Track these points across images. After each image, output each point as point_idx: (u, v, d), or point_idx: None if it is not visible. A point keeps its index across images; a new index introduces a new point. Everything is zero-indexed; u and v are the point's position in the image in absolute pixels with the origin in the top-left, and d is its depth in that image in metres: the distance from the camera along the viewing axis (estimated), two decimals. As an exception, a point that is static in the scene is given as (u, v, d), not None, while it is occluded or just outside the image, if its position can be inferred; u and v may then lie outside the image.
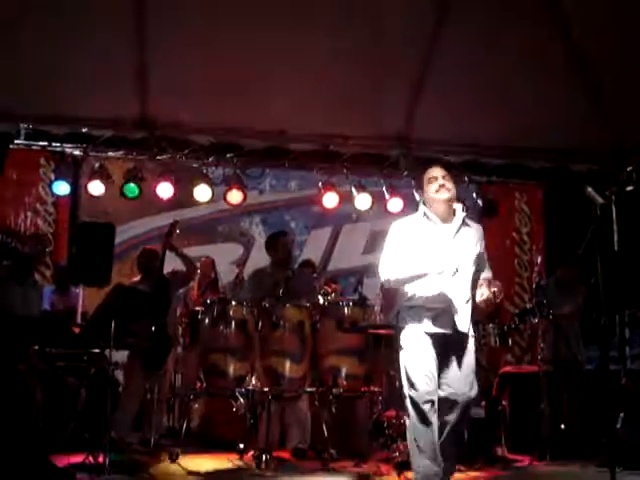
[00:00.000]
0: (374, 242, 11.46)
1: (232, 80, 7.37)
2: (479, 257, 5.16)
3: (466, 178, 8.81)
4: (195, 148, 8.24)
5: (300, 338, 6.55)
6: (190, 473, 5.93)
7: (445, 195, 5.09)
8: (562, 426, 7.23)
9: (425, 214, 5.15)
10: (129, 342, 6.28)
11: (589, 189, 5.04)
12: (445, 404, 4.92)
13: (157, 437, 6.95)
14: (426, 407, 4.84)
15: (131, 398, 7.00)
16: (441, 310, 4.94)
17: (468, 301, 5.06)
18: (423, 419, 4.84)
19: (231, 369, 6.47)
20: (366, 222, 11.09)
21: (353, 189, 8.71)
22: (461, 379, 4.97)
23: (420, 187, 5.35)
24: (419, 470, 4.86)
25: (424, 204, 5.22)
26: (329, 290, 8.43)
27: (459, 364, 4.98)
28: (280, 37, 7.07)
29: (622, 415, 6.70)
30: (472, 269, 5.11)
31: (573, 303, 7.90)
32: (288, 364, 6.46)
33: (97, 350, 6.32)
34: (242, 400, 6.44)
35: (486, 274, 5.23)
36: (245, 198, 8.51)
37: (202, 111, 7.78)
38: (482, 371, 7.84)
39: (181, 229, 7.73)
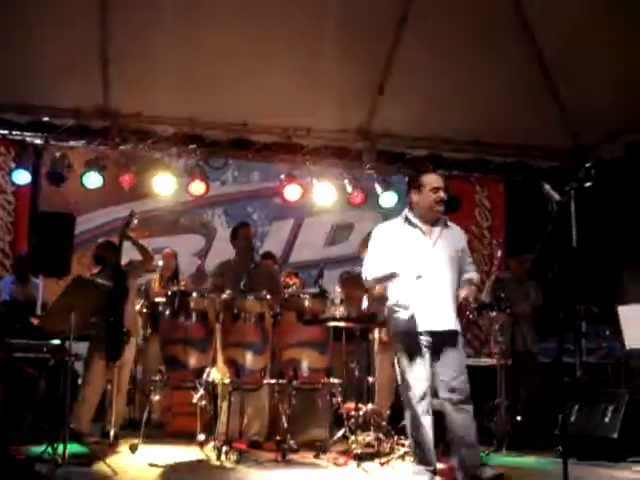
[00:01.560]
0: (335, 235, 11.53)
1: (195, 71, 7.39)
2: (460, 259, 5.33)
3: (428, 172, 8.86)
4: (158, 139, 8.21)
5: (261, 330, 6.56)
6: (150, 465, 5.91)
7: (442, 208, 5.24)
8: (518, 418, 7.33)
9: (408, 219, 5.31)
10: (89, 333, 6.25)
11: (546, 186, 5.13)
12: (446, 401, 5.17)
13: (117, 429, 6.93)
14: (420, 407, 5.13)
15: (91, 389, 6.97)
16: (425, 310, 5.10)
17: (451, 300, 5.19)
18: (417, 416, 5.16)
19: (192, 360, 6.46)
20: (327, 214, 11.13)
21: (314, 181, 8.74)
22: (454, 373, 5.17)
23: (414, 187, 5.37)
24: (416, 460, 5.26)
25: (410, 208, 5.35)
26: (290, 283, 8.48)
27: (451, 360, 5.17)
28: (245, 29, 7.11)
29: (577, 407, 6.83)
30: (454, 270, 5.25)
31: (527, 297, 8.03)
32: (249, 356, 6.47)
33: (57, 341, 6.29)
34: (202, 391, 6.43)
35: (469, 275, 5.39)
36: (207, 189, 8.51)
37: (165, 102, 7.77)
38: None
39: (143, 220, 7.70)
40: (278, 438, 6.61)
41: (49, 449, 5.42)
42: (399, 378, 5.31)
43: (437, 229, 5.30)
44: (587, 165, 8.86)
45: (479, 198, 11.37)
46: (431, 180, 5.33)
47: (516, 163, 9.02)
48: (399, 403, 7.55)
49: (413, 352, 5.13)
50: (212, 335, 6.61)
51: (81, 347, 6.86)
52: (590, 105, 7.80)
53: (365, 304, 7.43)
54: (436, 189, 5.28)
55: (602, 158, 8.65)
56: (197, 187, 8.41)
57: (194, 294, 6.67)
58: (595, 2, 6.72)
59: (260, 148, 8.46)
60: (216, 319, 6.62)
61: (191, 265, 9.23)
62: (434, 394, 5.24)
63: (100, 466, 5.57)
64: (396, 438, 6.54)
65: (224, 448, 6.14)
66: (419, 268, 5.12)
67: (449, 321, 5.17)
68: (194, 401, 6.48)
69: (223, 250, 8.90)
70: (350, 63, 7.47)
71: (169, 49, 7.15)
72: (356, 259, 8.87)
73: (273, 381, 6.68)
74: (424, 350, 5.12)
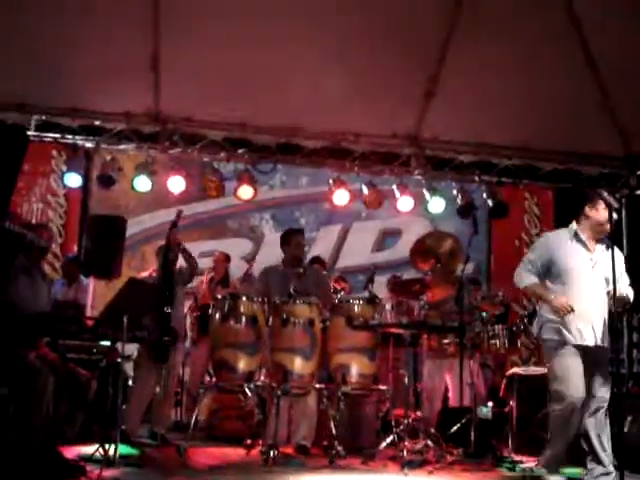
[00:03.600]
0: (383, 240, 11.49)
1: (245, 75, 7.40)
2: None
3: (476, 178, 8.81)
4: (207, 143, 8.25)
5: (310, 335, 6.54)
6: (198, 467, 5.93)
7: (609, 228, 5.34)
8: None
9: (576, 235, 5.53)
10: (140, 335, 6.29)
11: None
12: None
13: (164, 431, 6.96)
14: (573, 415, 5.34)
15: (141, 391, 7.03)
16: (584, 325, 5.33)
17: (605, 317, 5.46)
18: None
19: (240, 364, 6.46)
20: (376, 220, 11.12)
21: (363, 187, 8.73)
22: (603, 386, 5.43)
23: (589, 203, 5.56)
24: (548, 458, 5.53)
25: (578, 222, 5.58)
26: (338, 288, 8.47)
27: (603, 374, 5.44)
28: (294, 34, 7.11)
29: (629, 419, 6.71)
30: (607, 289, 5.44)
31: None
32: (297, 361, 6.45)
33: (108, 343, 6.34)
34: (251, 395, 6.44)
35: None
36: (256, 194, 8.53)
37: (214, 106, 7.82)
38: (489, 372, 7.88)
39: (191, 223, 7.74)
40: (326, 443, 6.60)
41: (100, 450, 5.46)
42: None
43: (601, 247, 5.52)
44: (639, 172, 8.73)
45: (528, 205, 11.28)
46: (604, 198, 5.44)
47: (565, 170, 8.91)
48: (447, 410, 7.57)
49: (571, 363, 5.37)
50: (261, 339, 6.60)
51: (132, 349, 6.93)
52: (641, 111, 7.71)
53: (417, 310, 7.43)
54: (608, 208, 5.40)
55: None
56: (245, 191, 8.44)
57: (244, 298, 6.68)
58: None
59: (309, 153, 8.47)
60: (266, 323, 6.62)
61: (239, 269, 9.24)
62: None
63: (149, 468, 5.60)
64: (445, 446, 6.48)
65: (271, 452, 6.12)
66: (579, 284, 5.38)
67: (602, 337, 5.45)
68: (242, 405, 6.50)
69: (270, 254, 8.93)
70: (400, 68, 7.44)
71: (219, 53, 7.17)
72: (404, 264, 8.87)
73: (322, 386, 6.66)
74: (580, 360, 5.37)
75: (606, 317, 5.49)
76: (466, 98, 7.75)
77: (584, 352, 5.35)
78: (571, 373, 5.34)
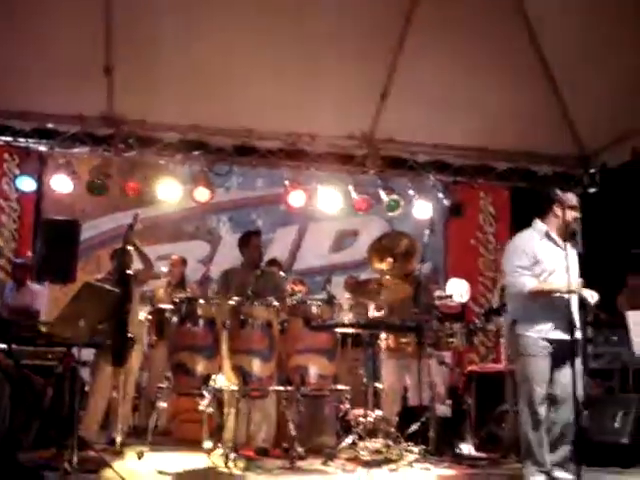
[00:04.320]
0: (340, 241, 11.52)
1: (199, 77, 7.37)
2: None
3: (432, 178, 8.85)
4: (162, 145, 8.18)
5: (268, 337, 6.53)
6: (158, 472, 5.89)
7: (575, 227, 5.47)
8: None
9: (548, 234, 5.59)
10: (96, 340, 6.22)
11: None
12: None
13: (123, 436, 6.90)
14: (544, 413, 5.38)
15: (98, 396, 6.96)
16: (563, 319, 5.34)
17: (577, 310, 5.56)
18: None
19: (198, 367, 6.43)
20: (332, 221, 11.12)
21: (319, 187, 8.73)
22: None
23: (548, 205, 5.62)
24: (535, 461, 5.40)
25: (545, 222, 5.64)
26: (295, 289, 8.47)
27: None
28: (249, 34, 7.08)
29: (586, 413, 6.79)
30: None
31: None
32: (256, 362, 6.44)
33: (64, 348, 6.26)
34: (209, 398, 6.40)
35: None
36: (212, 196, 8.48)
37: (169, 108, 7.76)
38: (447, 370, 7.93)
39: (147, 227, 7.68)
40: (285, 445, 6.59)
41: (57, 456, 5.39)
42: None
43: (568, 246, 5.50)
44: (592, 171, 8.85)
45: (483, 204, 11.37)
46: (568, 198, 5.60)
47: (521, 169, 8.98)
48: (407, 409, 7.60)
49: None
50: (219, 342, 6.58)
51: (88, 354, 6.84)
52: (595, 110, 7.80)
53: (371, 311, 7.45)
54: (575, 208, 5.57)
55: (607, 164, 8.63)
56: (202, 194, 8.39)
57: (201, 301, 6.65)
58: (601, 9, 6.69)
59: (264, 154, 8.43)
60: (223, 326, 6.59)
61: (196, 272, 9.21)
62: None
63: (108, 473, 5.53)
64: (405, 444, 6.50)
65: (231, 455, 6.11)
66: (558, 282, 5.41)
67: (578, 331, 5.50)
68: (201, 408, 6.46)
69: (228, 257, 8.90)
70: (353, 69, 7.46)
71: (173, 55, 7.14)
72: (362, 265, 8.90)
73: (280, 388, 6.65)
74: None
75: (577, 309, 5.55)
76: (421, 99, 7.78)
77: (560, 346, 5.35)
78: (542, 373, 5.37)
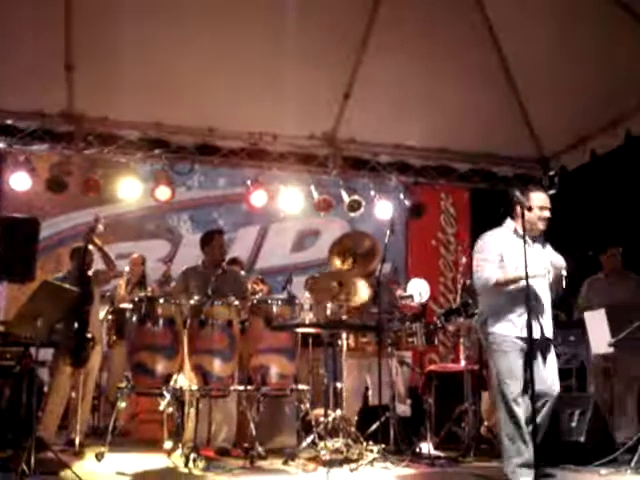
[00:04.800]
0: (302, 241, 11.52)
1: (162, 75, 7.33)
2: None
3: (393, 179, 8.89)
4: (123, 143, 8.11)
5: (228, 336, 6.52)
6: (117, 473, 5.84)
7: (544, 227, 5.55)
8: (485, 423, 7.36)
9: (516, 232, 5.58)
10: (54, 340, 6.16)
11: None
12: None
13: (82, 437, 6.84)
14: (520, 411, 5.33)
15: (56, 397, 6.89)
16: (532, 318, 5.24)
17: (549, 310, 5.60)
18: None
19: (158, 367, 6.39)
20: (294, 221, 11.14)
21: (281, 187, 8.73)
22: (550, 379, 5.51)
23: (518, 204, 5.52)
24: (512, 461, 5.35)
25: (515, 221, 5.63)
26: (256, 289, 8.46)
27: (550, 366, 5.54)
28: (211, 35, 7.07)
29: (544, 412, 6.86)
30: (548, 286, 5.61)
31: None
32: (216, 362, 6.42)
33: (21, 348, 6.19)
34: (169, 398, 6.36)
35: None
36: (173, 195, 8.44)
37: (130, 106, 7.71)
38: (408, 370, 7.98)
39: (108, 225, 7.62)
40: (246, 445, 6.59)
41: (15, 458, 5.32)
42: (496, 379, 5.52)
43: (538, 245, 5.61)
44: (551, 173, 8.96)
45: (444, 205, 11.46)
46: (539, 197, 5.62)
47: (481, 171, 9.07)
48: (367, 409, 7.63)
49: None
50: (179, 341, 6.54)
51: (47, 354, 6.78)
52: (554, 113, 7.90)
53: (329, 310, 7.45)
54: (545, 208, 5.58)
55: (566, 166, 8.74)
56: (163, 192, 8.34)
57: (161, 300, 6.62)
58: (562, 14, 6.77)
59: (226, 154, 8.41)
60: (183, 325, 6.56)
61: (156, 271, 9.15)
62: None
63: (67, 475, 5.48)
64: (365, 444, 6.52)
65: (191, 455, 6.08)
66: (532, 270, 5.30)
67: (548, 330, 5.55)
68: (161, 408, 6.42)
69: (189, 256, 8.86)
70: (316, 69, 7.46)
71: (136, 54, 7.07)
72: (323, 265, 8.90)
73: (241, 388, 6.63)
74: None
75: (549, 310, 5.60)
76: (383, 100, 7.82)
77: (531, 345, 5.30)
78: (514, 369, 5.36)
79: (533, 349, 5.29)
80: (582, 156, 8.29)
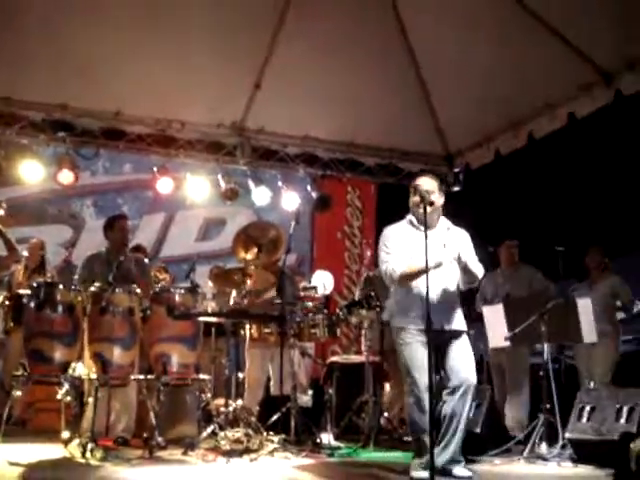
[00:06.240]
0: (207, 230, 11.45)
1: (69, 56, 7.17)
2: (461, 261, 5.51)
3: (301, 170, 8.92)
4: (26, 124, 7.89)
5: (130, 324, 6.42)
6: (10, 464, 5.68)
7: (421, 210, 5.29)
8: (385, 414, 7.47)
9: (411, 222, 5.62)
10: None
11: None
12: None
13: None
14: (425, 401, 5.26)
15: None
16: (432, 309, 5.09)
17: (452, 301, 5.61)
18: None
19: (57, 355, 6.25)
20: (200, 209, 11.07)
21: (187, 175, 8.66)
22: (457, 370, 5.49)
23: (410, 190, 5.58)
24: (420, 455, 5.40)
25: (412, 212, 5.63)
26: (159, 277, 8.37)
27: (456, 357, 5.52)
28: (122, 20, 6.95)
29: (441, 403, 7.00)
30: (453, 272, 5.56)
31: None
32: (116, 350, 6.31)
33: None
34: (67, 387, 6.23)
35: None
36: (77, 179, 8.27)
37: (36, 87, 7.52)
38: (310, 361, 8.03)
39: (9, 208, 7.42)
40: (146, 435, 6.50)
41: None
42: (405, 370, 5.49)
43: (437, 232, 5.52)
44: (456, 170, 9.13)
45: (351, 198, 11.57)
46: (420, 183, 5.53)
47: (388, 165, 9.18)
48: (269, 399, 7.64)
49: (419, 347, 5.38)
50: (79, 329, 6.40)
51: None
52: (461, 112, 8.05)
53: (232, 300, 7.44)
54: (428, 191, 5.43)
55: (470, 164, 8.92)
56: (66, 176, 8.17)
57: (61, 286, 6.47)
58: (466, 14, 6.89)
59: (133, 139, 8.28)
60: (83, 312, 6.44)
61: (58, 256, 8.97)
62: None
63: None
64: (265, 434, 6.53)
65: (89, 445, 5.96)
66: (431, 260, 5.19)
67: (451, 320, 5.55)
68: (59, 397, 6.28)
69: (92, 242, 8.71)
70: (228, 58, 7.43)
71: (41, 32, 6.91)
72: (228, 254, 8.88)
73: (141, 376, 6.55)
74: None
75: (456, 300, 5.64)
76: (293, 91, 7.83)
77: (434, 336, 5.19)
78: (419, 359, 5.35)
79: (432, 341, 5.16)
80: (486, 155, 8.49)
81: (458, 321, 5.62)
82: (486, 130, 8.26)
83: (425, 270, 5.06)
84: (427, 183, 5.56)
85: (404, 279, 5.48)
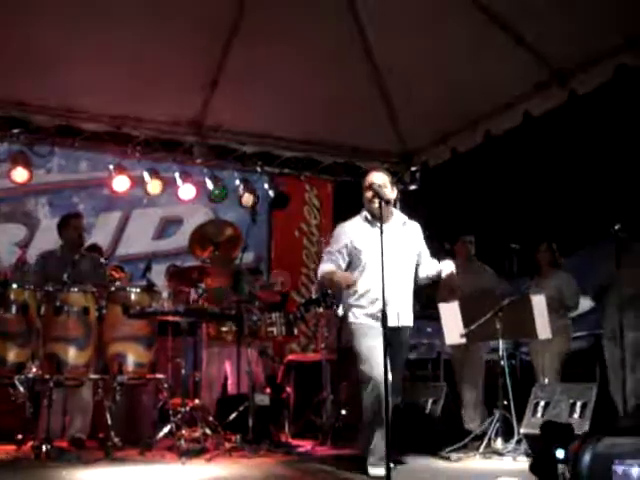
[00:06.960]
0: (164, 229, 11.38)
1: (23, 53, 7.05)
2: (418, 255, 5.74)
3: (258, 169, 8.90)
4: (-22, 121, 7.78)
5: (85, 324, 6.39)
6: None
7: (374, 205, 5.41)
8: (342, 412, 7.49)
9: (366, 217, 5.67)
10: None
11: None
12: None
13: None
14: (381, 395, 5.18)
15: None
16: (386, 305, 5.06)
17: (406, 296, 5.67)
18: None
19: (10, 355, 6.19)
20: (156, 208, 11.01)
21: (145, 173, 8.60)
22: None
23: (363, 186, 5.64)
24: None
25: (366, 208, 5.69)
26: (115, 276, 8.30)
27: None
28: (77, 16, 6.83)
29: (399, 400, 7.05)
30: (409, 267, 5.67)
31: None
32: (71, 350, 6.28)
33: None
34: (22, 388, 6.16)
35: (437, 265, 5.80)
36: (31, 177, 8.17)
37: (-13, 82, 7.39)
38: (268, 359, 8.02)
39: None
40: (102, 435, 6.47)
41: None
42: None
43: (392, 226, 5.59)
44: (413, 169, 9.17)
45: (308, 196, 11.56)
46: (369, 178, 5.63)
47: (345, 164, 9.19)
48: (226, 398, 7.62)
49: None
50: (33, 329, 6.34)
51: None
52: (418, 111, 8.08)
53: (194, 298, 7.40)
54: (379, 185, 5.48)
55: (427, 162, 8.96)
56: (20, 174, 8.06)
57: (14, 285, 6.39)
58: (426, 11, 6.91)
59: (88, 137, 8.17)
60: (38, 312, 6.36)
61: (11, 255, 8.84)
62: None
63: None
64: (223, 433, 6.52)
65: (44, 447, 5.93)
66: (377, 264, 5.09)
67: (405, 317, 5.62)
68: (12, 398, 6.21)
69: (46, 241, 8.61)
70: (184, 55, 7.36)
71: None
72: (185, 253, 8.84)
73: (97, 376, 6.51)
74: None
75: (410, 296, 5.69)
76: (251, 89, 7.79)
77: (389, 333, 5.11)
78: (374, 354, 5.35)
79: (387, 336, 5.12)
80: (444, 153, 8.54)
81: (409, 317, 5.71)
82: (444, 128, 8.31)
83: (339, 283, 5.43)
84: (379, 178, 5.63)
85: (322, 283, 5.57)
